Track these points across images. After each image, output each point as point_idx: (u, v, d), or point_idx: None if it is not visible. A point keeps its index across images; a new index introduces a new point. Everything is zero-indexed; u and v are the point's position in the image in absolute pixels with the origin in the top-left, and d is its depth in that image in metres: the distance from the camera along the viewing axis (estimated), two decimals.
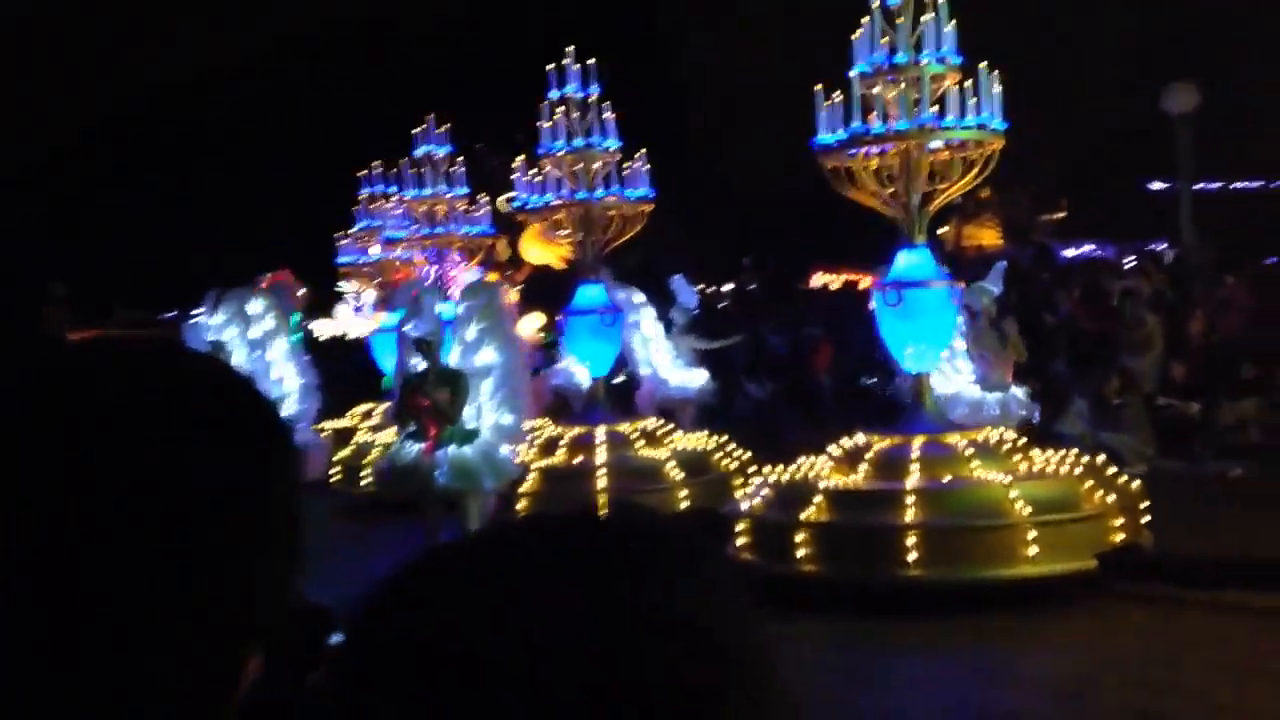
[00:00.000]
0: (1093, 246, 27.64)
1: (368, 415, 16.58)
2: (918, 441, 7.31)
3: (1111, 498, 6.90)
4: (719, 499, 9.69)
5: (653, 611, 0.66)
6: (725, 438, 10.59)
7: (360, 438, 15.03)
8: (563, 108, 10.52)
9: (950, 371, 10.60)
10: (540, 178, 10.65)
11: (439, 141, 13.93)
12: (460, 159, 14.01)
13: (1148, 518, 7.19)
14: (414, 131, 14.05)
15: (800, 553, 6.95)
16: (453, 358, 7.85)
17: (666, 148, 10.86)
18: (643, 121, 10.77)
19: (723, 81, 25.45)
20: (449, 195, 13.79)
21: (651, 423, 10.46)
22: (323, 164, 19.11)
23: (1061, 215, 30.72)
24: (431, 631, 0.67)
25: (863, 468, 7.30)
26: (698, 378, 11.82)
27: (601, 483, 9.46)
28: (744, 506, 7.55)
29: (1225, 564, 6.56)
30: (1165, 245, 25.56)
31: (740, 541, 7.49)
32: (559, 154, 10.42)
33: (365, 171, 16.84)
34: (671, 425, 10.66)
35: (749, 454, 10.25)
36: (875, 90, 7.60)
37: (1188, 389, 12.95)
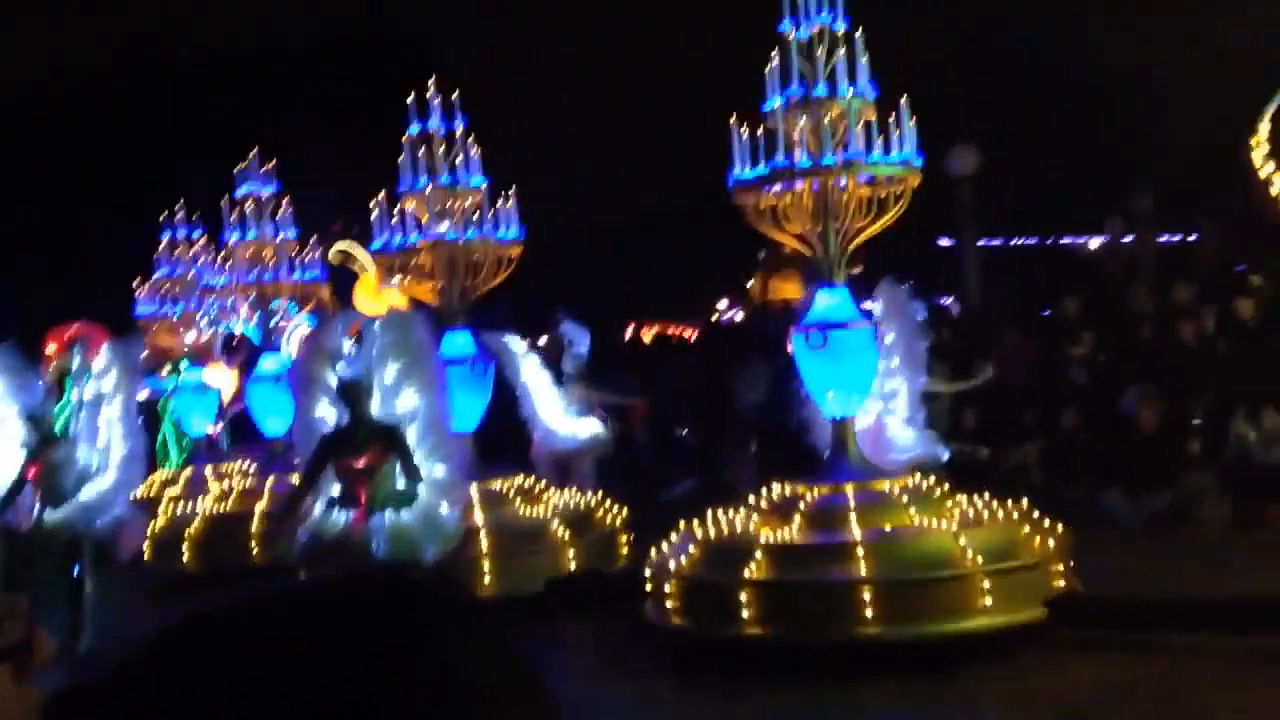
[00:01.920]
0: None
1: (171, 483, 15.16)
2: (851, 490, 6.95)
3: (1050, 543, 6.71)
4: (606, 559, 9.13)
5: (425, 669, 0.70)
6: (601, 494, 10.05)
7: (167, 508, 13.66)
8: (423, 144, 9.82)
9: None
10: (380, 218, 9.84)
11: (263, 180, 12.94)
12: (286, 199, 13.05)
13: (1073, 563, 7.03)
14: (236, 169, 13.02)
15: (745, 614, 6.43)
16: (372, 406, 6.99)
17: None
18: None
19: (526, 126, 25.15)
20: (277, 239, 12.80)
21: (525, 479, 9.77)
22: (114, 208, 17.61)
23: (858, 270, 31.80)
24: (196, 692, 0.67)
25: (797, 520, 6.87)
26: (589, 427, 11.21)
27: (483, 545, 8.70)
28: (669, 565, 6.98)
29: (1171, 606, 6.45)
30: (953, 299, 26.63)
31: (669, 605, 6.91)
32: (423, 192, 9.69)
33: (165, 214, 15.51)
34: (545, 481, 10.00)
35: (626, 511, 9.74)
36: (781, 125, 7.31)
37: (977, 434, 13.28)
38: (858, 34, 7.39)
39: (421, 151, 9.74)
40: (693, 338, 26.82)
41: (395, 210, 9.80)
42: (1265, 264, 15.45)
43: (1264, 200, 12.13)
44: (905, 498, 6.89)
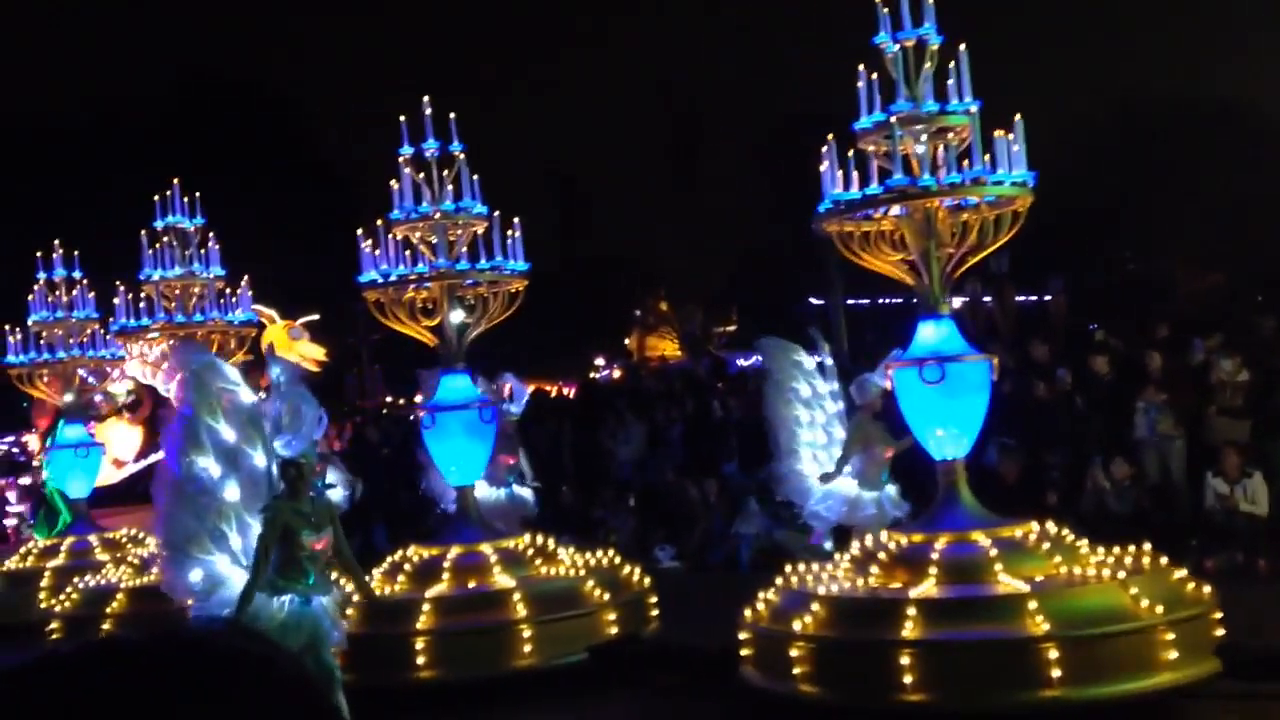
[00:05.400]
0: (761, 357, 28.59)
1: (50, 553, 13.43)
2: (984, 538, 6.32)
3: (1206, 589, 6.23)
4: (639, 623, 8.23)
5: None
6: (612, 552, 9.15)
7: (62, 581, 12.06)
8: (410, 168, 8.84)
9: (826, 462, 9.86)
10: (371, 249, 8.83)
11: (186, 212, 11.61)
12: (212, 234, 11.73)
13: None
14: (155, 199, 11.65)
15: (905, 679, 5.69)
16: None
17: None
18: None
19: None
20: (206, 275, 11.46)
21: (535, 536, 8.80)
22: None
23: (733, 327, 31.71)
24: None
25: (933, 571, 6.19)
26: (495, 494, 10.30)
27: (519, 611, 7.68)
28: (792, 626, 6.18)
29: None
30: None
31: (797, 671, 6.09)
32: (422, 218, 8.70)
33: (41, 252, 13.86)
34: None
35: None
36: (897, 143, 6.73)
37: None
38: (961, 47, 6.90)
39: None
40: (570, 395, 26.10)
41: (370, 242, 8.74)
42: (1115, 322, 16.04)
43: None
44: (1045, 545, 6.31)
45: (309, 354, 14.29)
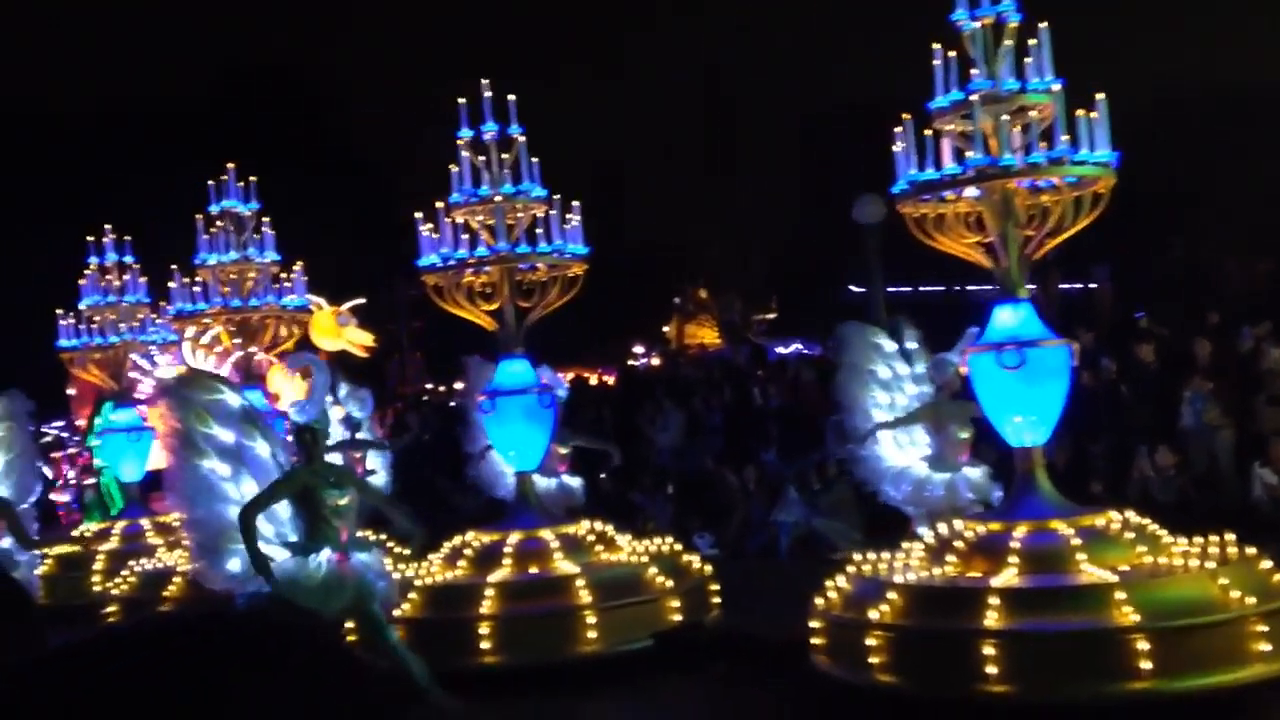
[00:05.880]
0: (800, 345, 28.53)
1: (103, 537, 13.49)
2: (1066, 527, 6.17)
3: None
4: (701, 609, 8.14)
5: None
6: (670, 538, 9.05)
7: (117, 564, 12.12)
8: (473, 152, 8.75)
9: (907, 444, 9.71)
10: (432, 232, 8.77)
11: (241, 196, 11.58)
12: (267, 219, 11.70)
13: None
14: (210, 183, 11.63)
15: (988, 669, 5.56)
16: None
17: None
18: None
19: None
20: (261, 260, 11.44)
21: (593, 521, 8.72)
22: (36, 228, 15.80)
23: (772, 315, 31.56)
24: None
25: (1013, 561, 6.05)
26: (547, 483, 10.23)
27: (583, 597, 7.61)
28: (871, 616, 6.06)
29: None
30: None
31: (874, 660, 5.98)
32: (481, 201, 8.62)
33: (94, 237, 13.91)
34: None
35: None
36: (977, 122, 6.58)
37: None
38: (1042, 25, 6.74)
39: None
40: (610, 382, 26.06)
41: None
42: (1162, 310, 15.80)
43: None
44: (1129, 534, 6.16)
45: (357, 339, 14.22)
